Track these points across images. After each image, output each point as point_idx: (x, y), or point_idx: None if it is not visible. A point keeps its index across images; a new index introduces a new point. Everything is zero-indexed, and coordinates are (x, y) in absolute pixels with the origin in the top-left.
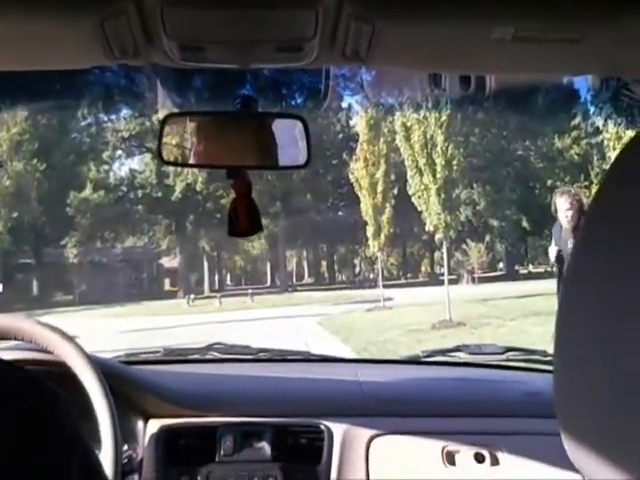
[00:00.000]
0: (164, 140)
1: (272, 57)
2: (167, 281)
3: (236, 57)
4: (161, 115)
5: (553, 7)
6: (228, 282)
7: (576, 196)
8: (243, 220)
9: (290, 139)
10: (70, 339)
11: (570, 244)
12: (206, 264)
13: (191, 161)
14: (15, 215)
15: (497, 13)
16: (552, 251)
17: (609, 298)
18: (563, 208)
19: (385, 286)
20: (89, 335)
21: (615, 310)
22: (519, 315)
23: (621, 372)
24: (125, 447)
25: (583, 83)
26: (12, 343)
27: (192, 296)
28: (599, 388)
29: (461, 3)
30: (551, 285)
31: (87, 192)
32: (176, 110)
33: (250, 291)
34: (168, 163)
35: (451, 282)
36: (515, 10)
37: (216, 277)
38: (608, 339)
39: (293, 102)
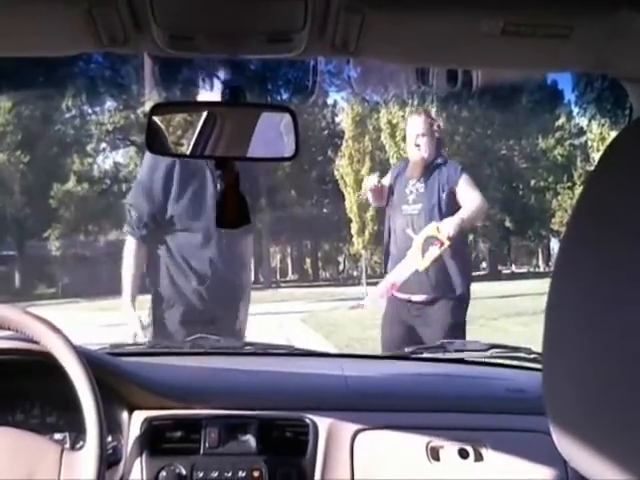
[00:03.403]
0: (152, 131)
1: (262, 47)
2: None
3: (226, 47)
4: (147, 107)
5: (542, 1)
6: None
7: (434, 120)
8: (231, 211)
9: (278, 131)
10: (56, 329)
11: (413, 185)
12: None
13: (179, 152)
14: None
15: (487, 6)
16: (371, 180)
17: (597, 291)
18: (414, 132)
19: (369, 284)
20: (72, 328)
21: (604, 303)
22: (502, 314)
23: (609, 364)
24: (109, 438)
25: (567, 83)
26: None
27: None
28: (588, 380)
29: None
30: (534, 285)
31: (71, 184)
32: (162, 101)
33: None
34: (156, 153)
35: None
36: (505, 3)
37: None
38: (596, 331)
39: (279, 97)
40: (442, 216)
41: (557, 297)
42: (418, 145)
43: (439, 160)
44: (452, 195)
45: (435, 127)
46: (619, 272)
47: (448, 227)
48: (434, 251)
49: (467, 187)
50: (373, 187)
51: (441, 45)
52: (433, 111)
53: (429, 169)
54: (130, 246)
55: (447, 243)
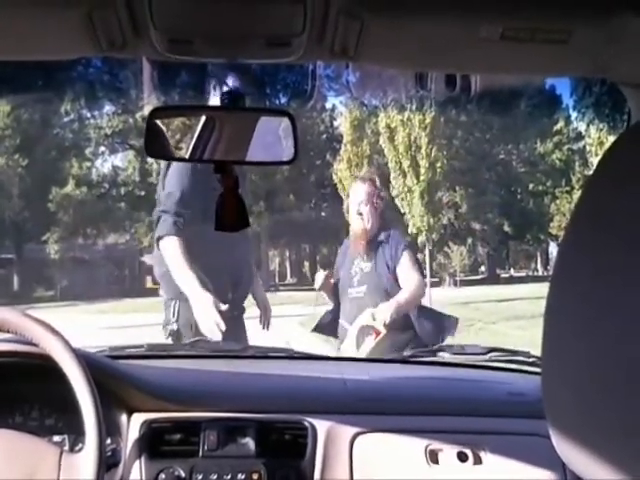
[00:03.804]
0: (151, 134)
1: (261, 52)
2: (149, 278)
3: (225, 51)
4: (146, 111)
5: (541, 7)
6: None
7: (377, 189)
8: (230, 215)
9: (277, 135)
10: (56, 332)
11: (358, 264)
12: None
13: (178, 156)
14: None
15: (486, 11)
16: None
17: (593, 296)
18: (356, 200)
19: None
20: (71, 330)
21: (599, 308)
22: (500, 318)
23: (605, 368)
24: (109, 440)
25: (566, 88)
26: None
27: None
28: (585, 383)
29: (450, 0)
30: (532, 289)
31: (69, 188)
32: (161, 105)
33: None
34: (155, 157)
35: (433, 285)
36: (504, 9)
37: None
38: (592, 336)
39: (278, 101)
40: (388, 297)
41: (555, 301)
42: (361, 214)
43: (382, 237)
44: (396, 274)
45: (377, 198)
46: (614, 277)
47: (384, 313)
48: (369, 343)
49: (408, 266)
50: (322, 285)
51: (440, 50)
52: (430, 116)
53: (372, 246)
54: (171, 245)
55: (384, 332)
